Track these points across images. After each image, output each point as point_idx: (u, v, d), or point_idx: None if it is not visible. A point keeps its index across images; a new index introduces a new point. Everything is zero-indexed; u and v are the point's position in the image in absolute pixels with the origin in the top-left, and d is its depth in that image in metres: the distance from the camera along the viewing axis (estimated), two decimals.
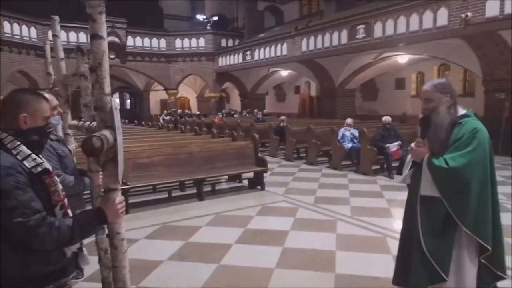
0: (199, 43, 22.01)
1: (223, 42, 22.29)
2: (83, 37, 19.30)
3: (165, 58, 21.96)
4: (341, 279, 3.47)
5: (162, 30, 22.87)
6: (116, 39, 20.13)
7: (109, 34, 20.21)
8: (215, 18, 24.74)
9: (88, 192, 2.86)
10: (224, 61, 21.11)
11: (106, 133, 1.43)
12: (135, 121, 15.96)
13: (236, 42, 22.25)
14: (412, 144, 2.39)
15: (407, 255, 2.36)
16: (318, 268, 3.71)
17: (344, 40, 12.81)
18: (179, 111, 19.69)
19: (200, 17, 25.52)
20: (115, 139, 1.56)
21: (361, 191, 6.85)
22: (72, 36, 19.15)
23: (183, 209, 5.90)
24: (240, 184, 7.47)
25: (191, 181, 6.64)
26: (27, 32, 17.56)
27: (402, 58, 13.74)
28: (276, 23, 23.57)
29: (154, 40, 21.69)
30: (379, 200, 6.27)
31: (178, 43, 22.06)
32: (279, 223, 5.11)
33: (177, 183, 6.79)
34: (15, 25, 16.86)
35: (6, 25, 16.31)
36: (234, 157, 6.90)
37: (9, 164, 1.51)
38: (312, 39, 14.28)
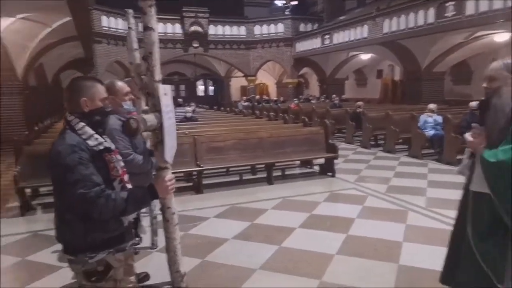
0: (278, 29, 22.04)
1: (302, 27, 22.03)
2: (170, 28, 20.60)
3: (244, 45, 22.43)
4: (403, 271, 3.33)
5: (242, 18, 23.32)
6: (199, 29, 21.05)
7: (192, 24, 21.37)
8: (294, 2, 24.48)
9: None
10: (302, 46, 20.87)
11: (148, 116, 1.56)
12: (214, 107, 16.72)
13: (315, 26, 21.81)
14: (467, 134, 2.12)
15: (456, 254, 2.17)
16: (380, 257, 3.60)
17: (431, 19, 11.82)
18: (257, 97, 20.06)
19: (279, 2, 25.46)
20: (160, 122, 1.70)
21: (441, 182, 6.38)
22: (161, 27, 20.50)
23: (252, 191, 6.08)
24: (310, 170, 7.44)
25: (263, 165, 6.79)
26: (122, 25, 19.19)
27: (500, 37, 12.23)
28: (357, 5, 22.55)
29: (235, 28, 22.25)
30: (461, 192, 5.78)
31: (257, 29, 22.35)
32: (345, 211, 5.02)
33: (249, 167, 7.02)
34: (111, 19, 18.55)
35: (104, 19, 18.05)
36: (304, 143, 6.88)
37: (74, 143, 1.74)
38: (394, 19, 13.43)
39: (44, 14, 8.13)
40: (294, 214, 4.92)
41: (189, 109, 9.73)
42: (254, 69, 22.96)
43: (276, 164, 6.73)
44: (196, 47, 21.37)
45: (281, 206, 5.34)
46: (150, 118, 1.55)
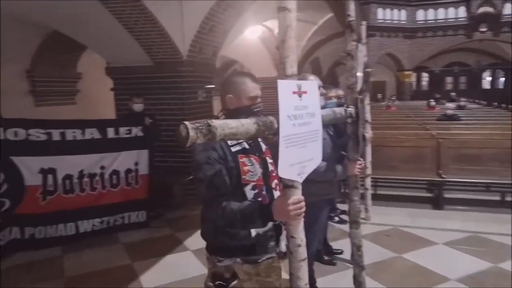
0: None
1: None
2: (452, 13, 18.49)
3: None
4: None
5: None
6: (490, 9, 17.62)
7: (481, 4, 18.26)
8: None
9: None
10: None
11: (225, 122, 1.19)
12: (494, 103, 13.26)
13: None
14: None
15: None
16: None
17: None
18: None
19: None
20: (272, 130, 1.32)
21: None
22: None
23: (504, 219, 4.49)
24: None
25: None
26: (397, 15, 18.61)
27: None
28: None
29: None
30: None
31: None
32: None
33: None
34: (387, 11, 18.32)
35: (379, 12, 18.01)
36: None
37: None
38: None
39: (310, 14, 8.76)
40: None
41: (450, 105, 8.16)
42: None
43: None
44: (483, 32, 18.05)
45: None
46: (233, 124, 1.17)
